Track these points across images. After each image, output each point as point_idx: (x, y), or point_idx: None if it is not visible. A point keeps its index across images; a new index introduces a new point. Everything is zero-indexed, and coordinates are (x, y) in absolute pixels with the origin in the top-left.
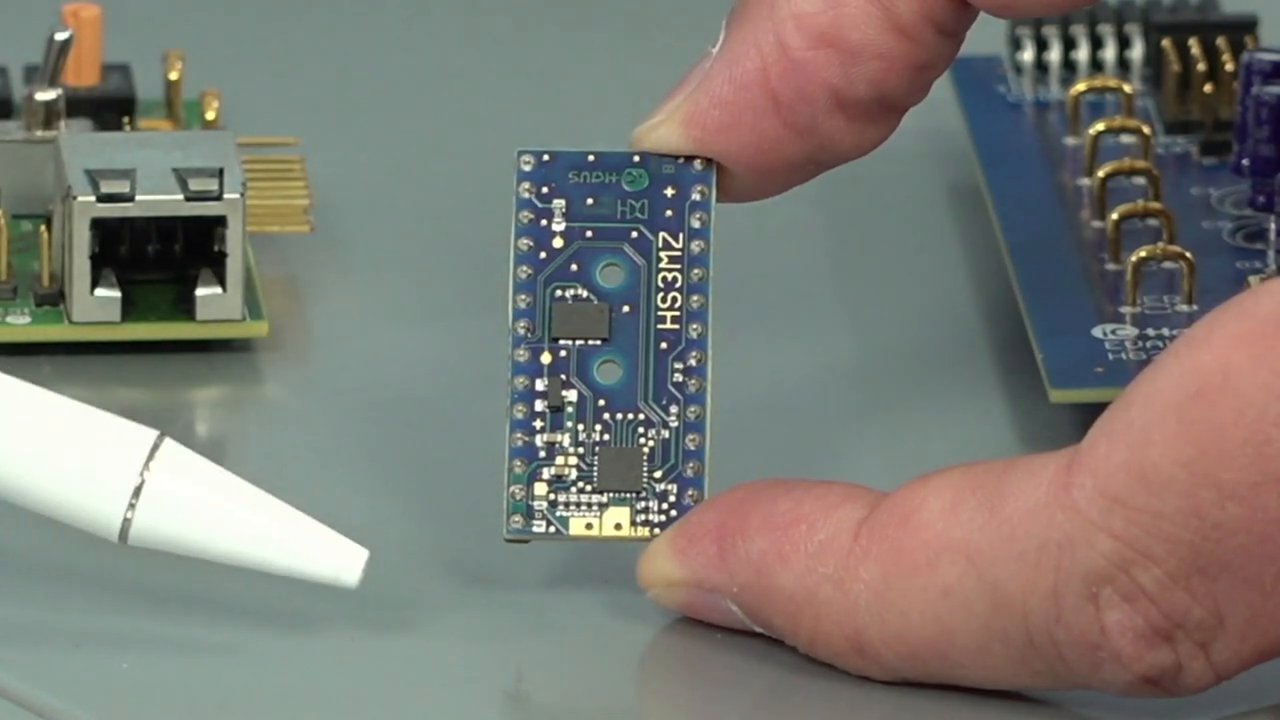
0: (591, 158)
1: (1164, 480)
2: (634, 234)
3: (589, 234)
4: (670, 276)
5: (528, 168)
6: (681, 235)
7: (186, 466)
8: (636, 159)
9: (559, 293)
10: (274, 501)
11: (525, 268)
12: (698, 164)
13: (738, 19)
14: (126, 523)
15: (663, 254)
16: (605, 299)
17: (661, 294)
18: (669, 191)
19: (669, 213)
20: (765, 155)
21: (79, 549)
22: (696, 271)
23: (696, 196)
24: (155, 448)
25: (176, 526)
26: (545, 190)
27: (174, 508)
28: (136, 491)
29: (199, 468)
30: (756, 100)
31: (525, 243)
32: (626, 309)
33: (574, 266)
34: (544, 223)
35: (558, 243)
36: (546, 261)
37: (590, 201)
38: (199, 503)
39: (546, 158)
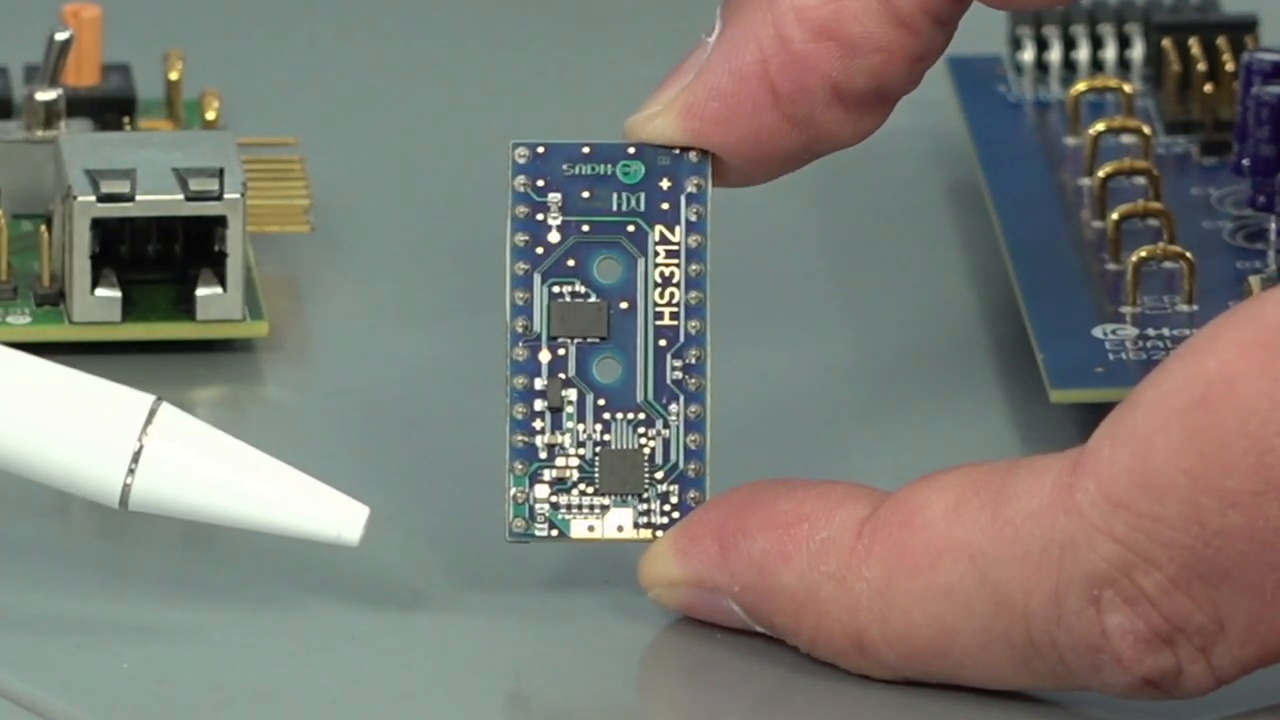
0: (586, 150)
1: (1166, 486)
2: (630, 228)
3: (585, 228)
4: (667, 272)
5: (522, 161)
6: (678, 229)
7: (185, 430)
8: (632, 150)
9: (556, 289)
10: (273, 462)
11: (522, 264)
12: (693, 155)
13: (735, 9)
14: (126, 488)
15: (659, 248)
16: (603, 295)
17: (659, 290)
18: (665, 184)
19: (665, 205)
20: (762, 146)
21: (79, 548)
22: (694, 267)
23: (692, 189)
24: (153, 412)
25: (176, 490)
26: (540, 184)
27: (173, 471)
28: (136, 457)
29: (197, 431)
30: (755, 93)
31: (521, 238)
32: (624, 305)
33: (571, 262)
34: (540, 217)
35: (554, 237)
36: (543, 257)
37: (586, 195)
38: (198, 466)
39: (541, 150)
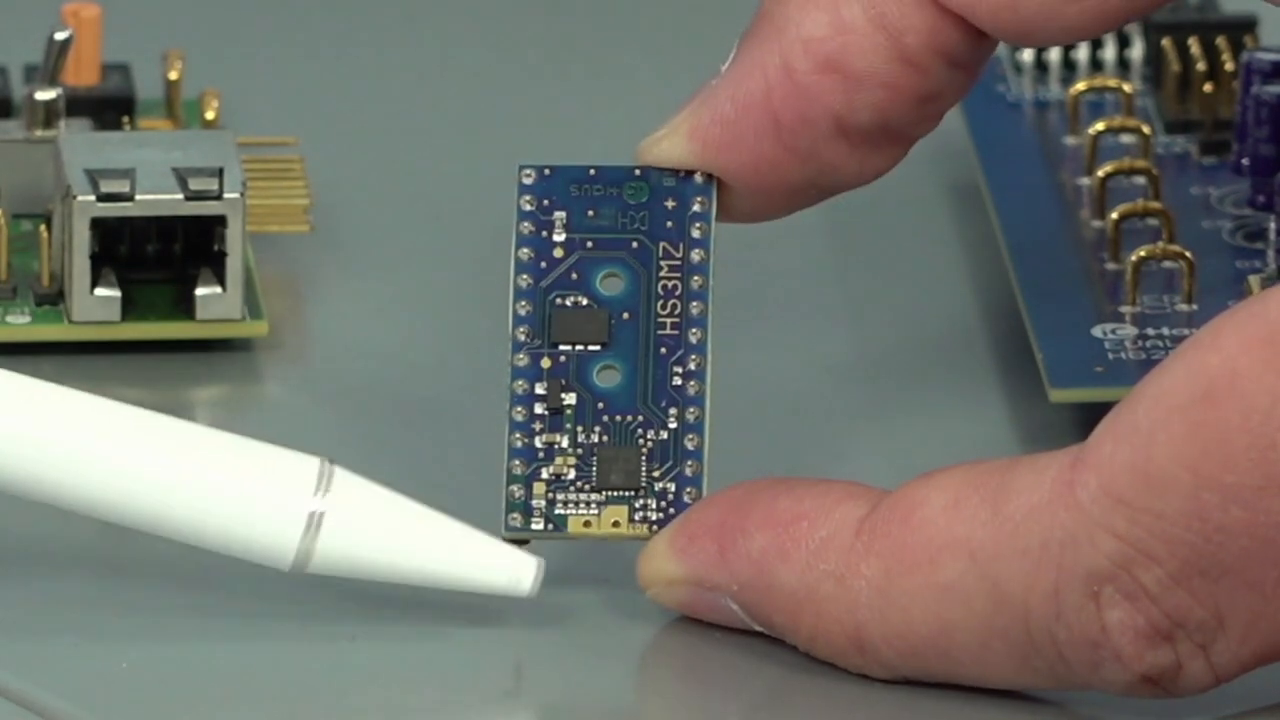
0: (592, 172)
1: (1167, 481)
2: (634, 244)
3: (589, 244)
4: (670, 284)
5: (529, 181)
6: (681, 244)
7: (358, 493)
8: (637, 172)
9: (559, 299)
10: (442, 518)
11: (526, 276)
12: (698, 178)
13: (747, 38)
14: (303, 554)
15: (663, 263)
16: (605, 306)
17: (661, 301)
18: (669, 204)
19: (669, 223)
20: (764, 176)
21: (79, 548)
22: (696, 279)
23: (697, 207)
24: (324, 475)
25: (353, 553)
26: (546, 203)
27: (349, 536)
28: (312, 521)
29: (369, 493)
30: (758, 121)
31: (526, 252)
32: (626, 315)
33: (574, 275)
34: (545, 234)
35: (558, 253)
36: (547, 270)
37: (591, 214)
38: (373, 530)
39: (548, 172)
